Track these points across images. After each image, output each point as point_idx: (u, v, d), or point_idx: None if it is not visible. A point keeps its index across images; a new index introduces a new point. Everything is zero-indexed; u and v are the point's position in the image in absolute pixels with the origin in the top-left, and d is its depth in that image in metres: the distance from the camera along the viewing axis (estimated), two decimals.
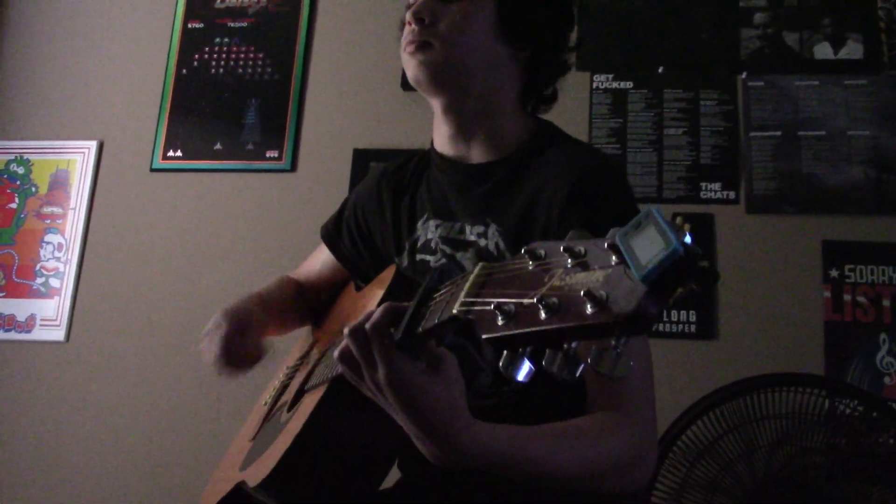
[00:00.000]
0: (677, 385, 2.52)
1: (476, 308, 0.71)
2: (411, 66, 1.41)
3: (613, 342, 0.62)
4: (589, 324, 0.60)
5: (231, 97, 3.20)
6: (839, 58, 2.84)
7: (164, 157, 3.19)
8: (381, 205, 1.59)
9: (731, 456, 2.26)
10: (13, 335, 3.12)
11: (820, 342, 2.60)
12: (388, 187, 1.59)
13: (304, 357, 1.58)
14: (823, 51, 2.86)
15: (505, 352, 0.70)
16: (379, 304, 0.93)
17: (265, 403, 1.59)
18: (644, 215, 0.60)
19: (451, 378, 0.91)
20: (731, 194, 2.78)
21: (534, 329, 0.64)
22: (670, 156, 2.85)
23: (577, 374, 0.66)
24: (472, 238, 1.41)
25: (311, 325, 1.74)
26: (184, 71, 3.27)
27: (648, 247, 0.57)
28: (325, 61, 3.21)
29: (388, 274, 1.39)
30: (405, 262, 1.50)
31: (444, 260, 1.44)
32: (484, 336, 0.68)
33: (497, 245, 1.37)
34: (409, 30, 1.41)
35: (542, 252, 0.69)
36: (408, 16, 1.42)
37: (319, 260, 1.75)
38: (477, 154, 1.46)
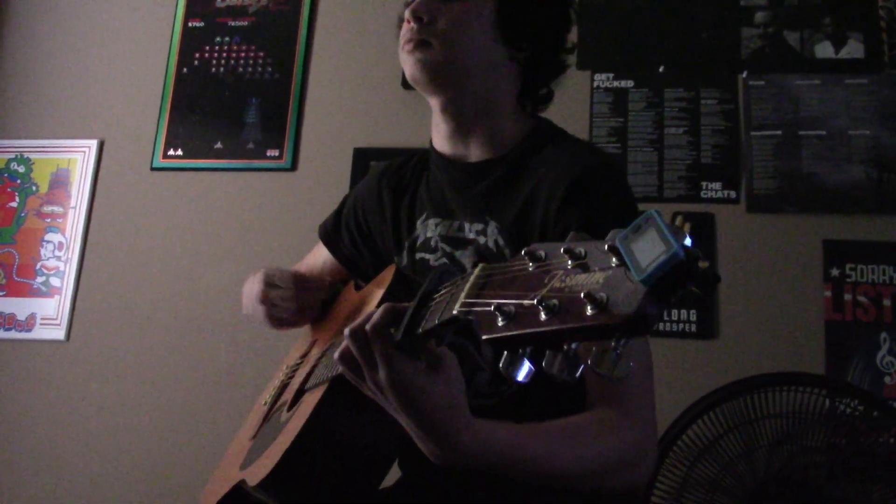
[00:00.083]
0: (678, 384, 2.52)
1: (476, 309, 0.72)
2: (409, 65, 1.41)
3: (613, 343, 0.62)
4: (589, 325, 0.60)
5: (231, 96, 3.21)
6: (840, 57, 2.84)
7: (165, 157, 3.19)
8: (381, 204, 1.59)
9: (731, 455, 2.26)
10: (13, 334, 3.12)
11: (820, 341, 2.59)
12: (388, 186, 1.59)
13: (304, 356, 1.58)
14: (824, 50, 2.85)
15: (505, 352, 0.70)
16: (379, 304, 0.93)
17: (265, 403, 1.59)
18: (645, 218, 0.60)
19: (451, 378, 0.91)
20: (732, 194, 2.77)
21: (534, 330, 0.64)
22: (671, 155, 2.85)
23: (577, 375, 0.66)
24: (472, 236, 1.41)
25: (311, 324, 1.74)
26: (184, 70, 3.27)
27: (649, 249, 0.57)
28: (326, 60, 3.21)
29: (387, 273, 1.39)
30: (405, 260, 1.50)
31: (443, 258, 1.44)
32: (484, 337, 0.69)
33: (496, 242, 1.37)
34: (408, 28, 1.41)
35: (543, 253, 0.69)
36: (406, 14, 1.42)
37: (317, 259, 1.75)
38: (475, 152, 1.46)
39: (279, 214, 3.07)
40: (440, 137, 1.49)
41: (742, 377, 2.32)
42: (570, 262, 0.65)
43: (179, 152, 3.19)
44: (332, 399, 1.16)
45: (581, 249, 0.65)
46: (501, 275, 0.73)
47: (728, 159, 2.81)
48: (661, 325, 2.67)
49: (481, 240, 1.39)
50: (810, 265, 2.66)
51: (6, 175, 3.29)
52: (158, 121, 3.23)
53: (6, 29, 3.49)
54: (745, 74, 2.87)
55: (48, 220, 3.21)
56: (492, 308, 0.68)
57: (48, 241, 3.18)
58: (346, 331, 0.92)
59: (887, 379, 2.54)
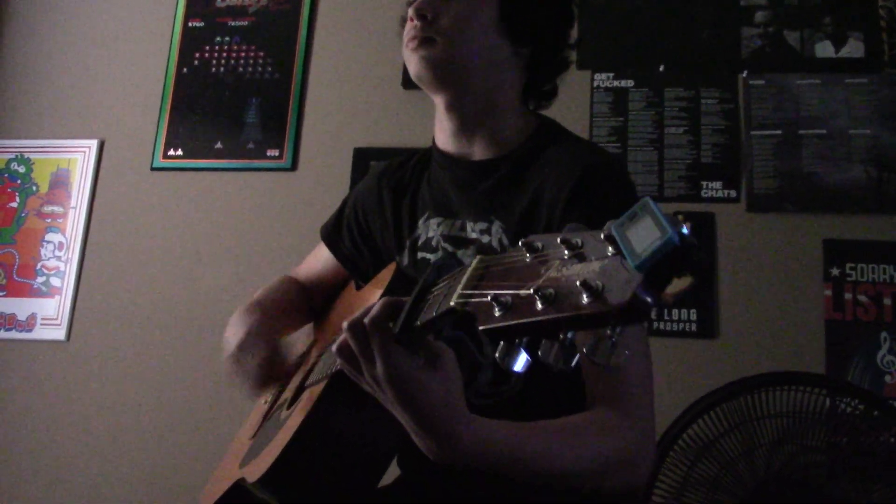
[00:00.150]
0: (678, 384, 2.52)
1: (473, 300, 0.72)
2: (413, 62, 1.41)
3: (609, 332, 0.62)
4: (585, 314, 0.60)
5: (232, 96, 3.21)
6: (840, 56, 2.84)
7: (165, 156, 3.19)
8: (382, 204, 1.59)
9: (731, 454, 2.26)
10: (14, 334, 3.13)
11: (821, 341, 2.59)
12: (388, 186, 1.59)
13: (305, 355, 1.58)
14: (824, 49, 2.85)
15: (502, 343, 0.70)
16: None
17: (265, 402, 1.59)
18: (640, 206, 0.60)
19: (449, 374, 0.91)
20: (732, 193, 2.77)
21: (530, 319, 0.64)
22: (671, 154, 2.85)
23: (573, 365, 0.66)
24: (474, 235, 1.41)
25: (313, 324, 1.74)
26: (184, 70, 3.27)
27: (644, 236, 0.57)
28: (326, 60, 3.21)
29: (387, 272, 1.39)
30: (406, 260, 1.50)
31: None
32: (481, 327, 0.69)
33: (501, 242, 1.37)
34: (412, 26, 1.41)
35: (540, 244, 0.69)
36: (410, 12, 1.42)
37: (319, 259, 1.74)
38: (479, 151, 1.46)
39: (279, 214, 3.07)
40: (444, 135, 1.49)
41: (742, 376, 2.32)
42: (566, 251, 0.65)
43: (179, 152, 3.19)
44: (331, 395, 1.16)
45: (577, 239, 0.65)
46: (499, 266, 0.73)
47: (728, 159, 2.81)
48: (661, 324, 2.67)
49: (485, 239, 1.39)
50: (810, 264, 2.66)
51: (6, 175, 3.29)
52: (158, 121, 3.23)
53: (6, 29, 3.49)
54: (745, 74, 2.87)
55: (48, 220, 3.21)
56: (488, 299, 0.68)
57: (48, 242, 3.18)
58: (345, 324, 0.92)
59: (888, 378, 2.54)
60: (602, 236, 0.63)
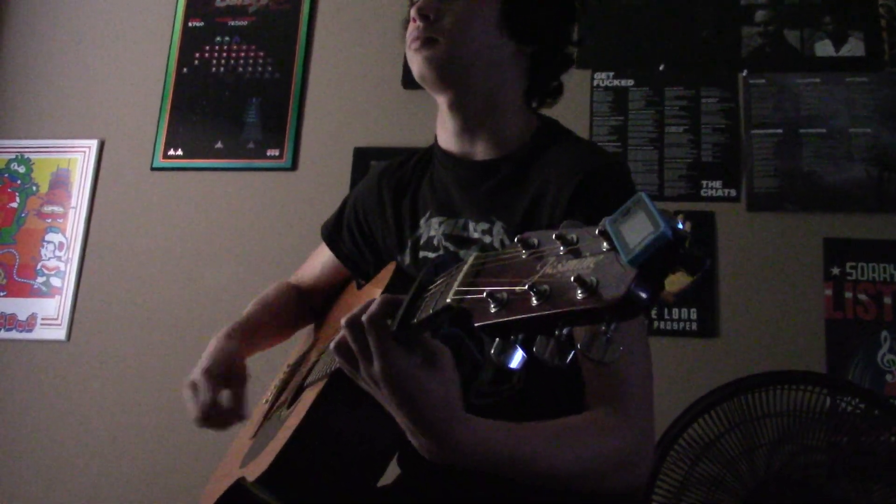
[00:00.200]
0: (678, 383, 2.52)
1: (469, 297, 0.72)
2: (416, 63, 1.41)
3: (604, 328, 0.62)
4: (579, 309, 0.60)
5: (232, 96, 3.21)
6: (840, 55, 2.84)
7: (165, 156, 3.19)
8: (382, 203, 1.59)
9: (732, 454, 2.26)
10: (14, 334, 3.13)
11: (821, 340, 2.59)
12: (389, 186, 1.59)
13: (305, 355, 1.58)
14: (824, 48, 2.85)
15: (497, 339, 0.70)
16: None
17: (266, 402, 1.60)
18: (634, 201, 0.60)
19: (447, 374, 0.91)
20: (732, 192, 2.77)
21: (525, 315, 0.64)
22: (671, 154, 2.85)
23: (568, 361, 0.66)
24: (476, 235, 1.41)
25: (313, 325, 1.74)
26: (184, 70, 3.27)
27: (637, 231, 0.57)
28: (326, 60, 3.21)
29: (388, 272, 1.39)
30: (407, 259, 1.50)
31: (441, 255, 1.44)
32: (477, 324, 0.69)
33: (502, 242, 1.37)
34: (414, 26, 1.41)
35: (535, 241, 0.70)
36: (413, 12, 1.42)
37: (320, 259, 1.75)
38: (482, 150, 1.46)
39: (279, 214, 3.07)
40: (446, 135, 1.49)
41: (743, 376, 2.32)
42: (562, 248, 0.65)
43: (180, 152, 3.19)
44: (330, 394, 1.17)
45: (573, 235, 0.65)
46: (495, 263, 0.73)
47: (728, 158, 2.81)
48: (662, 324, 2.67)
49: (486, 239, 1.39)
50: (811, 264, 2.66)
51: (6, 175, 3.29)
52: (159, 121, 3.23)
53: (6, 29, 3.49)
54: (745, 73, 2.87)
55: (49, 220, 3.21)
56: (484, 295, 0.68)
57: (49, 242, 3.19)
58: (343, 321, 0.92)
59: (888, 377, 2.54)
60: (597, 232, 0.63)
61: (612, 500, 1.19)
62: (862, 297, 2.60)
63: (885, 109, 2.76)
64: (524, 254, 0.69)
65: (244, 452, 1.42)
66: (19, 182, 3.28)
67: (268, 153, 3.13)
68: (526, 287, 0.64)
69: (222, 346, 1.56)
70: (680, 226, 0.57)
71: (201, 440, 2.86)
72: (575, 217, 1.25)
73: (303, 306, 1.74)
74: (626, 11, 3.00)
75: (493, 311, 0.67)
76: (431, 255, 1.46)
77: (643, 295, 0.58)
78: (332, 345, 0.96)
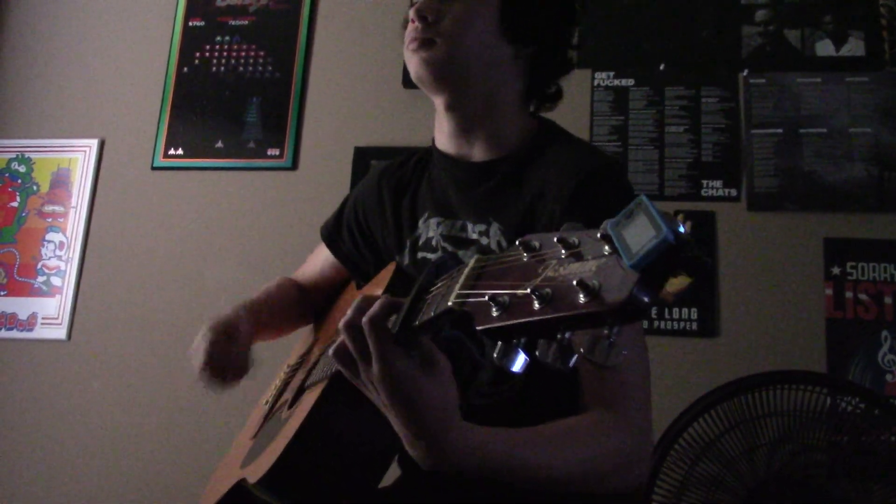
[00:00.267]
0: (679, 383, 2.52)
1: (471, 300, 0.72)
2: (414, 64, 1.41)
3: (606, 331, 0.62)
4: (581, 313, 0.60)
5: (232, 95, 3.21)
6: (841, 55, 2.83)
7: (166, 156, 3.19)
8: (382, 203, 1.59)
9: (732, 454, 2.25)
10: (15, 334, 3.13)
11: (821, 339, 2.59)
12: (388, 186, 1.59)
13: (305, 356, 1.58)
14: (825, 48, 2.85)
15: (499, 343, 0.70)
16: None
17: (266, 402, 1.60)
18: (635, 204, 0.60)
19: (444, 381, 0.91)
20: (733, 192, 2.77)
21: (527, 319, 0.64)
22: (671, 153, 2.85)
23: (571, 364, 0.66)
24: (474, 236, 1.41)
25: (313, 325, 1.74)
26: (185, 69, 3.27)
27: (639, 235, 0.57)
28: (326, 59, 3.21)
29: (387, 272, 1.39)
30: (406, 260, 1.50)
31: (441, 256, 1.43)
32: (479, 327, 0.69)
33: (499, 244, 1.37)
34: (413, 27, 1.41)
35: (537, 244, 0.69)
36: (411, 14, 1.42)
37: (320, 259, 1.75)
38: (479, 152, 1.46)
39: (280, 213, 3.07)
40: (444, 136, 1.49)
41: (743, 375, 2.32)
42: (563, 251, 0.65)
43: (180, 151, 3.19)
44: (331, 396, 1.16)
45: (575, 238, 0.65)
46: (496, 266, 0.73)
47: (729, 157, 2.81)
48: (662, 324, 2.67)
49: (484, 241, 1.39)
50: (811, 263, 2.66)
51: (7, 175, 3.29)
52: (159, 120, 3.23)
53: (6, 29, 3.49)
54: (745, 72, 2.87)
55: (49, 219, 3.22)
56: (486, 298, 0.68)
57: (49, 241, 3.19)
58: (341, 324, 0.92)
59: (888, 377, 2.54)
60: (599, 235, 0.63)
61: (611, 500, 1.19)
62: (862, 296, 2.61)
63: (886, 109, 2.76)
64: (525, 257, 0.69)
65: (244, 453, 1.42)
66: (20, 181, 3.28)
67: (268, 153, 3.13)
68: (528, 290, 0.64)
69: (232, 312, 1.58)
70: (681, 229, 0.57)
71: (202, 440, 2.87)
72: (573, 218, 1.26)
73: (304, 303, 1.75)
74: (627, 11, 3.00)
75: (495, 314, 0.67)
76: (430, 255, 1.46)
77: (645, 299, 0.58)
78: (330, 350, 0.96)
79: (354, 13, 3.22)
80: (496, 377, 0.85)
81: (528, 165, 1.40)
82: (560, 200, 1.30)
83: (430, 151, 1.55)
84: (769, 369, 2.34)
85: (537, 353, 0.67)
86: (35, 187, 3.26)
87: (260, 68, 3.22)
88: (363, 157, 3.03)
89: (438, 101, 1.45)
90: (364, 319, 0.90)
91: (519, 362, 0.70)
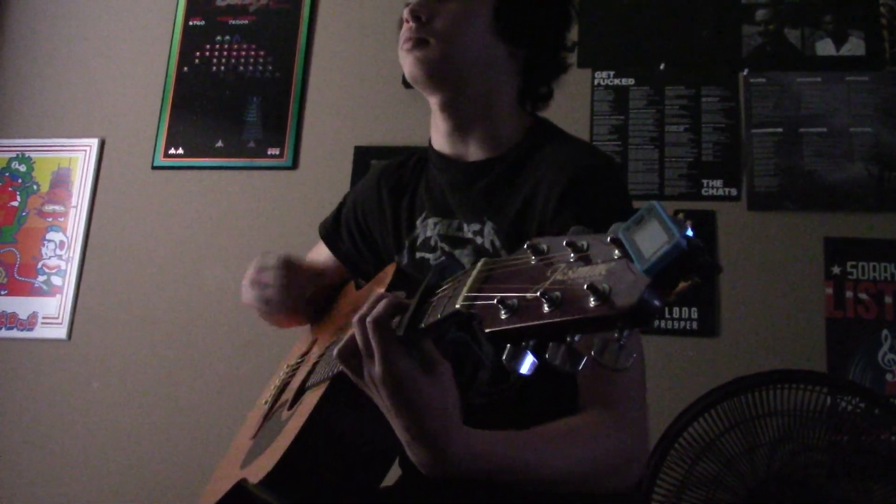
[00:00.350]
0: (679, 382, 2.52)
1: (479, 303, 0.72)
2: (408, 63, 1.42)
3: (616, 334, 0.62)
4: (592, 317, 0.60)
5: (232, 95, 3.21)
6: (841, 54, 2.84)
7: (166, 155, 3.19)
8: (381, 203, 1.59)
9: (732, 453, 2.25)
10: (15, 333, 3.13)
11: (821, 339, 2.59)
12: (387, 186, 1.59)
13: (305, 355, 1.58)
14: (825, 47, 2.85)
15: (508, 346, 0.70)
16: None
17: (265, 402, 1.59)
18: (646, 210, 0.60)
19: (445, 384, 0.91)
20: (733, 191, 2.78)
21: (537, 322, 0.64)
22: (672, 153, 2.85)
23: (580, 367, 0.66)
24: (469, 235, 1.41)
25: (311, 324, 1.74)
26: (185, 69, 3.27)
27: (651, 240, 0.58)
28: (327, 59, 3.21)
29: (388, 272, 1.39)
30: (405, 259, 1.50)
31: (443, 258, 1.43)
32: (487, 330, 0.69)
33: (493, 243, 1.37)
34: (407, 27, 1.42)
35: (545, 247, 0.70)
36: (405, 13, 1.42)
37: (319, 258, 1.74)
38: (474, 151, 1.46)
39: (280, 213, 3.07)
40: (439, 136, 1.49)
41: (743, 375, 2.32)
42: (572, 254, 0.65)
43: (180, 151, 3.19)
44: (333, 397, 1.16)
45: (584, 242, 0.65)
46: (504, 269, 0.73)
47: (729, 157, 2.81)
48: (662, 323, 2.67)
49: (478, 240, 1.39)
50: (811, 263, 2.67)
51: (7, 174, 3.29)
52: (159, 119, 3.23)
53: (6, 28, 3.49)
54: (745, 72, 2.87)
55: (49, 219, 3.21)
56: (494, 301, 0.68)
57: (49, 241, 3.19)
58: (355, 318, 0.92)
59: (889, 376, 2.54)
60: (608, 239, 0.63)
61: (611, 500, 1.20)
62: (862, 296, 2.61)
63: (886, 108, 2.76)
64: (534, 260, 0.70)
65: (244, 453, 1.42)
66: (20, 181, 3.28)
67: (268, 152, 3.13)
68: (538, 294, 0.64)
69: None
70: (690, 233, 0.57)
71: (202, 440, 2.87)
72: (564, 216, 1.26)
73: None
74: (627, 11, 3.00)
75: (503, 317, 0.67)
76: (428, 255, 1.46)
77: (655, 303, 0.58)
78: (335, 351, 0.96)
79: (354, 13, 3.22)
80: (495, 376, 0.85)
81: (523, 164, 1.40)
82: (552, 199, 1.30)
83: (429, 151, 1.55)
84: (769, 369, 2.34)
85: (546, 355, 0.68)
86: (35, 187, 3.26)
87: (260, 68, 3.22)
88: (363, 157, 3.03)
89: (433, 101, 1.46)
90: (368, 319, 0.90)
91: (527, 364, 0.70)
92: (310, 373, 1.39)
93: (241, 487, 1.26)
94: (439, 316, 0.79)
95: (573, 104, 2.87)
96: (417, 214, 1.52)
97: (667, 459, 2.26)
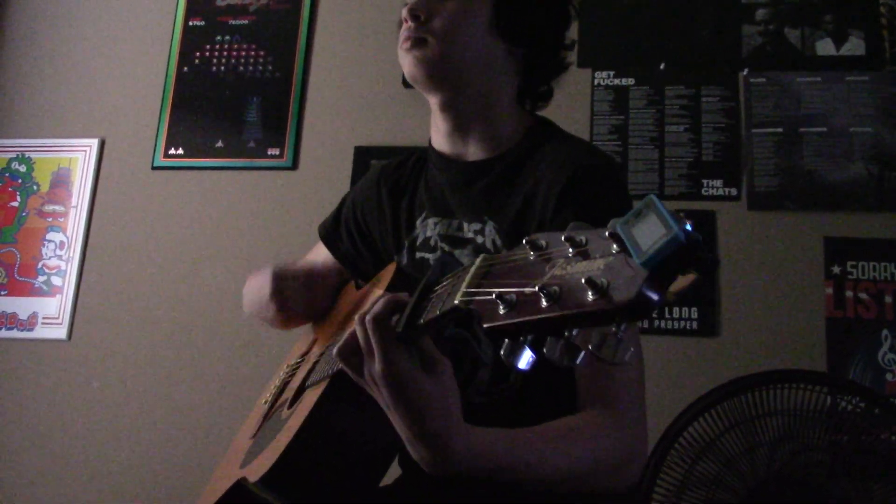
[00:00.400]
0: (679, 382, 2.52)
1: (478, 298, 0.72)
2: (407, 63, 1.42)
3: (614, 329, 0.62)
4: (590, 311, 0.61)
5: (232, 95, 3.21)
6: (841, 54, 2.84)
7: (166, 155, 3.19)
8: (380, 203, 1.59)
9: (732, 453, 2.25)
10: (15, 333, 3.13)
11: (822, 339, 2.59)
12: (387, 186, 1.59)
13: (305, 355, 1.58)
14: (825, 47, 2.85)
15: (506, 340, 0.70)
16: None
17: (265, 402, 1.59)
18: (644, 203, 0.60)
19: (445, 381, 0.91)
20: (733, 191, 2.78)
21: (535, 317, 0.65)
22: (672, 153, 2.85)
23: (578, 361, 0.66)
24: (470, 235, 1.41)
25: (312, 324, 1.74)
26: (185, 69, 3.27)
27: (649, 234, 0.58)
28: (327, 59, 3.21)
29: (387, 272, 1.39)
30: (405, 259, 1.50)
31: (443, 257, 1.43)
32: (486, 325, 0.69)
33: (494, 242, 1.37)
34: (406, 27, 1.42)
35: (544, 242, 0.70)
36: (404, 13, 1.42)
37: (318, 258, 1.74)
38: (474, 151, 1.46)
39: (280, 213, 3.07)
40: (439, 136, 1.49)
41: (743, 374, 2.32)
42: (570, 249, 0.66)
43: (180, 151, 3.19)
44: (332, 395, 1.16)
45: (582, 237, 0.65)
46: (503, 264, 0.73)
47: (729, 157, 2.81)
48: (662, 322, 2.67)
49: (479, 239, 1.39)
50: (811, 262, 2.67)
51: (7, 174, 3.29)
52: (159, 120, 3.23)
53: (7, 28, 3.49)
54: (745, 72, 2.87)
55: (49, 219, 3.21)
56: (493, 296, 0.68)
57: (49, 241, 3.19)
58: (357, 317, 0.92)
59: (889, 376, 2.54)
60: (606, 234, 0.63)
61: (611, 500, 1.20)
62: (862, 295, 2.61)
63: (886, 108, 2.76)
64: (532, 255, 0.70)
65: (244, 452, 1.42)
66: (20, 181, 3.28)
67: (268, 152, 3.13)
68: (536, 289, 0.64)
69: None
70: (689, 227, 0.57)
71: (202, 439, 2.87)
72: (563, 215, 1.26)
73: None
74: (627, 11, 3.00)
75: (502, 312, 0.67)
76: (428, 255, 1.46)
77: (654, 297, 0.58)
78: (334, 350, 0.96)
79: (354, 13, 3.22)
80: (496, 376, 0.85)
81: (523, 164, 1.40)
82: (551, 197, 1.30)
83: (428, 151, 1.55)
84: (769, 368, 2.34)
85: (545, 350, 0.68)
86: (35, 187, 3.26)
87: (260, 68, 3.22)
88: (363, 157, 3.03)
89: (433, 101, 1.46)
90: (367, 317, 0.90)
91: (525, 360, 0.70)
92: (310, 372, 1.39)
93: (240, 486, 1.26)
94: (438, 312, 0.79)
95: (573, 104, 2.87)
96: (417, 214, 1.52)
97: (667, 459, 2.25)
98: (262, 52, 3.24)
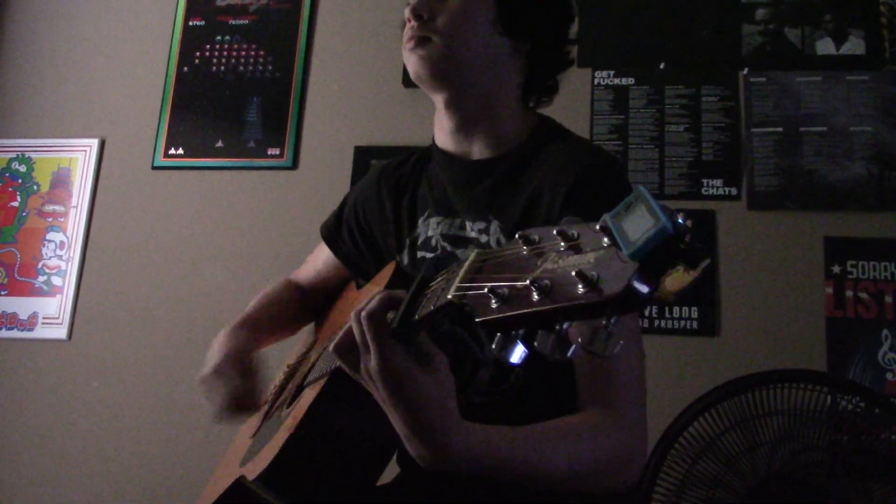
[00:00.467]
0: (679, 382, 2.52)
1: (471, 293, 0.72)
2: (411, 62, 1.42)
3: (604, 322, 0.62)
4: (580, 304, 0.61)
5: (232, 95, 3.21)
6: (841, 53, 2.84)
7: (166, 155, 3.20)
8: (381, 203, 1.59)
9: (732, 453, 2.25)
10: (15, 333, 3.13)
11: (822, 338, 2.59)
12: (388, 185, 1.59)
13: (305, 355, 1.58)
14: (825, 46, 2.85)
15: (498, 335, 0.70)
16: None
17: (266, 402, 1.59)
18: (634, 196, 0.60)
19: (441, 377, 0.91)
20: (733, 191, 2.77)
21: (526, 310, 0.65)
22: (672, 152, 2.85)
23: (569, 355, 0.66)
24: (473, 234, 1.41)
25: (313, 325, 1.74)
26: (185, 69, 3.27)
27: (638, 225, 0.58)
28: (327, 59, 3.21)
29: (387, 271, 1.39)
30: (406, 259, 1.50)
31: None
32: (478, 319, 0.69)
33: (498, 241, 1.37)
34: (409, 26, 1.42)
35: (536, 237, 0.70)
36: (407, 13, 1.42)
37: (320, 259, 1.74)
38: (478, 150, 1.46)
39: (280, 213, 3.07)
40: (443, 134, 1.49)
41: (743, 374, 2.32)
42: (563, 243, 0.66)
43: (180, 151, 3.19)
44: (330, 393, 1.16)
45: (574, 231, 0.65)
46: (496, 259, 0.73)
47: (729, 156, 2.81)
48: (662, 322, 2.67)
49: (483, 238, 1.39)
50: (811, 262, 2.66)
51: (7, 174, 3.30)
52: (159, 119, 3.23)
53: (7, 28, 3.49)
54: (745, 71, 2.87)
55: (49, 219, 3.22)
56: (485, 291, 0.68)
57: (50, 241, 3.19)
58: (353, 313, 0.92)
59: (889, 376, 2.54)
60: (598, 227, 0.63)
61: (611, 500, 1.20)
62: (863, 295, 2.61)
63: (886, 107, 2.76)
64: (525, 250, 0.70)
65: (244, 451, 1.42)
66: (20, 181, 3.28)
67: (268, 152, 3.13)
68: (527, 282, 0.64)
69: (232, 341, 1.55)
70: (680, 220, 0.57)
71: (202, 439, 2.87)
72: (569, 214, 1.26)
73: (305, 303, 1.75)
74: (627, 10, 3.00)
75: (494, 306, 0.67)
76: (429, 255, 1.46)
77: (643, 289, 0.58)
78: (331, 346, 0.96)
79: (354, 13, 3.22)
80: (496, 376, 0.85)
81: (528, 163, 1.40)
82: (557, 198, 1.30)
83: (430, 150, 1.55)
84: (769, 368, 2.34)
85: (536, 344, 0.68)
86: (35, 187, 3.26)
87: (260, 68, 3.22)
88: (363, 157, 3.03)
89: (438, 99, 1.46)
90: (363, 313, 0.90)
91: (517, 354, 0.70)
92: (309, 371, 1.39)
93: (239, 484, 1.26)
94: (432, 307, 0.79)
95: (573, 104, 2.87)
96: (419, 214, 1.52)
97: (667, 459, 2.25)
98: (262, 52, 3.24)
